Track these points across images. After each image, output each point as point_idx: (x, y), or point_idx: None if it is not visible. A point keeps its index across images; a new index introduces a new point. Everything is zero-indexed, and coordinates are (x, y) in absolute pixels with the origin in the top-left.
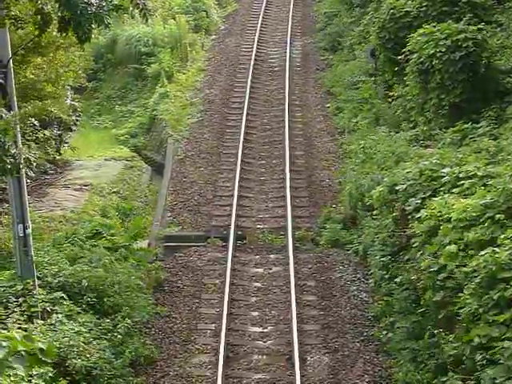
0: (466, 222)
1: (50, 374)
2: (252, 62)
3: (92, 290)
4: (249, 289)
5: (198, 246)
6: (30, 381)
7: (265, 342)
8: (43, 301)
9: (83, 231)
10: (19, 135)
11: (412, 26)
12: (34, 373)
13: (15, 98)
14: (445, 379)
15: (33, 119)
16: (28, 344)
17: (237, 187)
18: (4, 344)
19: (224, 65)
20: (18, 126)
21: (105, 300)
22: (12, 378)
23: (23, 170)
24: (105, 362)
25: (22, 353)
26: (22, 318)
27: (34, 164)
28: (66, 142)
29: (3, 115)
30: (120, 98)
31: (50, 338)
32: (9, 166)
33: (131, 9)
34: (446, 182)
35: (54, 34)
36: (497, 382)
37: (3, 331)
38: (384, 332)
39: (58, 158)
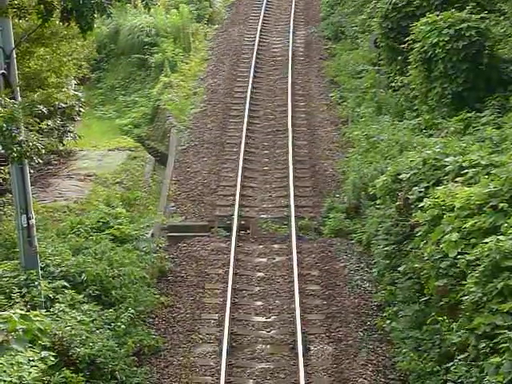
0: (469, 210)
1: (52, 358)
2: (255, 52)
3: (94, 282)
4: (252, 278)
5: (201, 235)
6: (31, 366)
7: (268, 331)
8: (46, 290)
9: (89, 221)
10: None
11: (415, 16)
12: (36, 358)
13: (18, 88)
14: (448, 367)
15: (41, 106)
16: (26, 322)
17: (240, 177)
18: (3, 326)
19: (227, 54)
20: (22, 115)
21: (108, 292)
22: (15, 368)
23: (30, 158)
24: (108, 351)
25: (21, 332)
26: (24, 309)
27: (42, 151)
28: (70, 131)
29: (9, 104)
30: (123, 88)
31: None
32: (15, 154)
33: None
34: (450, 171)
35: (57, 23)
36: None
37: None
38: (387, 321)
39: (61, 148)
